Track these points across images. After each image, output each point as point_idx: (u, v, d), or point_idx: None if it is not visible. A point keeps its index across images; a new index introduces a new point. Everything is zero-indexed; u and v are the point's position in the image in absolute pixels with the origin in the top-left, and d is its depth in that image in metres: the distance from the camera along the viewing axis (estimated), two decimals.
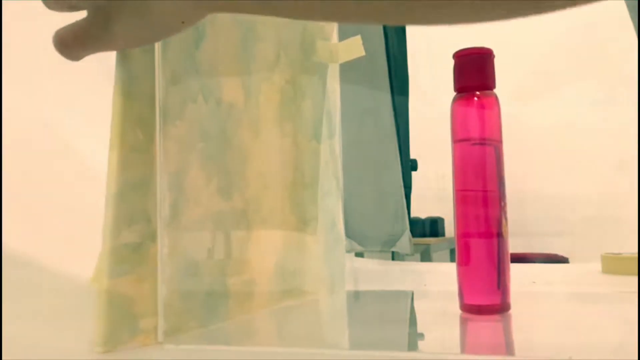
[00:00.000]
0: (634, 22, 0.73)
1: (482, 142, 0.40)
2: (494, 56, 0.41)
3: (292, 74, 0.51)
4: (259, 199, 0.45)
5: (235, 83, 0.43)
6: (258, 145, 0.45)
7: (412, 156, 1.48)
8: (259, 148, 0.45)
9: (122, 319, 0.33)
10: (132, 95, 0.34)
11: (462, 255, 0.40)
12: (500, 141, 0.40)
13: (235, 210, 0.42)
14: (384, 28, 1.16)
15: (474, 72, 0.40)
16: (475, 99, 0.40)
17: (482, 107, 0.40)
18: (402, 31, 1.42)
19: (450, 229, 2.36)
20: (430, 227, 2.27)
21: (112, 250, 0.33)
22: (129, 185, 0.33)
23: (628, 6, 0.73)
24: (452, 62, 0.42)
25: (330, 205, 0.57)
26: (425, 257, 2.05)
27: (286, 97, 0.50)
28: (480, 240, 0.39)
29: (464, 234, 0.40)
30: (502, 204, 0.39)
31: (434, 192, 1.92)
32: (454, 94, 0.41)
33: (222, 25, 0.42)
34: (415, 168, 1.61)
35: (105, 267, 0.33)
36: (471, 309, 0.39)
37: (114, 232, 0.33)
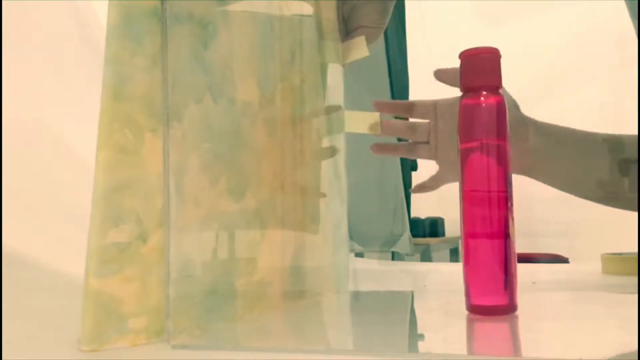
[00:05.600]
0: (634, 23, 0.73)
1: (489, 141, 0.39)
2: (500, 56, 0.40)
3: (306, 74, 0.51)
4: (273, 199, 0.45)
5: (251, 82, 0.43)
6: (272, 145, 0.45)
7: None
8: (274, 148, 0.45)
9: (109, 319, 0.33)
10: (121, 96, 0.34)
11: (469, 256, 0.40)
12: (507, 141, 0.40)
13: (248, 211, 0.42)
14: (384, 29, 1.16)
15: (480, 72, 0.40)
16: (482, 98, 0.40)
17: (488, 106, 0.40)
18: (402, 32, 1.42)
19: (449, 229, 2.36)
20: (430, 227, 2.27)
21: (99, 250, 0.33)
22: (117, 186, 0.33)
23: (628, 7, 0.73)
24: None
25: (337, 206, 0.57)
26: (425, 257, 2.05)
27: (300, 96, 0.50)
28: (488, 241, 0.39)
29: (471, 235, 0.40)
30: (509, 204, 0.39)
31: (434, 192, 1.92)
32: (459, 93, 0.41)
33: (238, 24, 0.42)
34: (415, 168, 1.61)
35: (91, 266, 0.33)
36: (478, 310, 0.39)
37: (100, 232, 0.33)
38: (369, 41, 0.58)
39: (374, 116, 0.58)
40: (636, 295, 0.50)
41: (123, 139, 0.34)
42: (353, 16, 0.58)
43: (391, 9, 0.58)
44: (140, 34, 0.35)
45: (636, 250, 0.69)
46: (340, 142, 0.58)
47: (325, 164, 0.56)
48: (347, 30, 0.59)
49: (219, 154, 0.39)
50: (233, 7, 0.42)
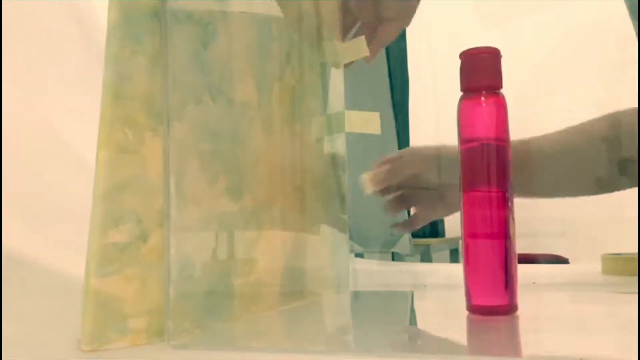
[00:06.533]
0: (634, 23, 0.73)
1: (490, 142, 0.39)
2: (500, 56, 0.40)
3: (302, 74, 0.51)
4: (271, 200, 0.45)
5: (249, 82, 0.43)
6: (270, 145, 0.45)
7: None
8: (271, 148, 0.45)
9: (109, 319, 0.33)
10: (121, 95, 0.34)
11: (469, 256, 0.40)
12: (507, 141, 0.40)
13: (246, 211, 0.42)
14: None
15: (481, 72, 0.40)
16: (482, 98, 0.40)
17: (489, 107, 0.40)
18: (402, 32, 1.42)
19: (450, 229, 2.36)
20: (430, 228, 2.27)
21: (99, 249, 0.33)
22: (117, 186, 0.33)
23: (628, 7, 0.73)
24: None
25: (336, 206, 0.57)
26: (425, 257, 2.05)
27: (296, 97, 0.50)
28: (488, 241, 0.39)
29: (471, 235, 0.40)
30: (510, 204, 0.39)
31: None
32: (459, 93, 0.41)
33: (236, 24, 0.42)
34: None
35: (92, 266, 0.33)
36: (478, 310, 0.39)
37: (101, 231, 0.33)
38: (392, 34, 0.57)
39: (374, 116, 0.58)
40: (636, 295, 0.50)
41: (123, 139, 0.34)
42: (381, 7, 0.57)
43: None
44: (140, 34, 0.35)
45: (636, 250, 0.69)
46: (340, 142, 0.58)
47: (325, 164, 0.56)
48: (375, 21, 0.58)
49: (217, 154, 0.39)
50: (233, 8, 0.42)
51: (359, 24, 0.59)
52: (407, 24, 0.59)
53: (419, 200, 0.67)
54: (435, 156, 0.65)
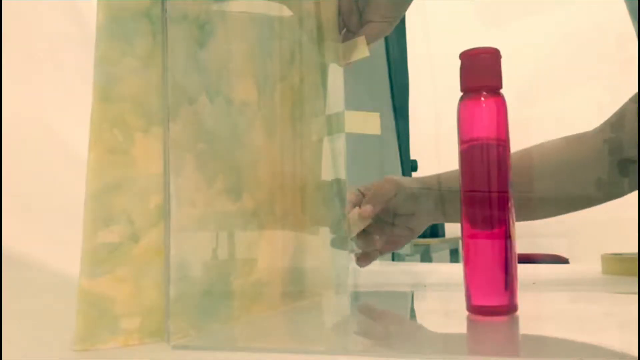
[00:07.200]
0: (634, 23, 0.73)
1: (490, 142, 0.39)
2: (500, 56, 0.40)
3: (305, 73, 0.51)
4: (272, 200, 0.45)
5: (249, 81, 0.43)
6: (271, 145, 0.45)
7: (412, 156, 1.48)
8: (271, 148, 0.45)
9: (100, 319, 0.33)
10: (110, 96, 0.34)
11: (469, 257, 0.40)
12: (507, 141, 0.40)
13: (245, 211, 0.42)
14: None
15: (480, 72, 0.40)
16: (482, 99, 0.40)
17: (489, 107, 0.40)
18: (402, 33, 1.42)
19: (450, 229, 2.36)
20: (430, 228, 2.26)
21: (90, 250, 0.33)
22: (107, 186, 0.33)
23: (628, 7, 0.73)
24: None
25: (336, 206, 0.57)
26: (425, 257, 2.05)
27: (299, 96, 0.50)
28: (489, 242, 0.39)
29: (471, 235, 0.40)
30: (510, 204, 0.39)
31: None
32: (459, 94, 0.41)
33: (236, 23, 0.42)
34: (415, 168, 1.61)
35: (83, 267, 0.33)
36: (478, 310, 0.39)
37: (91, 232, 0.33)
38: (378, 36, 0.58)
39: (374, 116, 0.58)
40: (636, 295, 0.50)
41: (112, 140, 0.34)
42: (365, 11, 0.58)
43: (407, 4, 0.58)
44: (130, 35, 0.35)
45: (636, 250, 0.69)
46: (340, 142, 0.58)
47: (325, 165, 0.56)
48: (360, 24, 0.59)
49: (215, 154, 0.39)
50: (230, 8, 0.42)
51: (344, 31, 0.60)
52: (389, 30, 0.60)
53: (383, 234, 0.67)
54: (410, 191, 0.67)
